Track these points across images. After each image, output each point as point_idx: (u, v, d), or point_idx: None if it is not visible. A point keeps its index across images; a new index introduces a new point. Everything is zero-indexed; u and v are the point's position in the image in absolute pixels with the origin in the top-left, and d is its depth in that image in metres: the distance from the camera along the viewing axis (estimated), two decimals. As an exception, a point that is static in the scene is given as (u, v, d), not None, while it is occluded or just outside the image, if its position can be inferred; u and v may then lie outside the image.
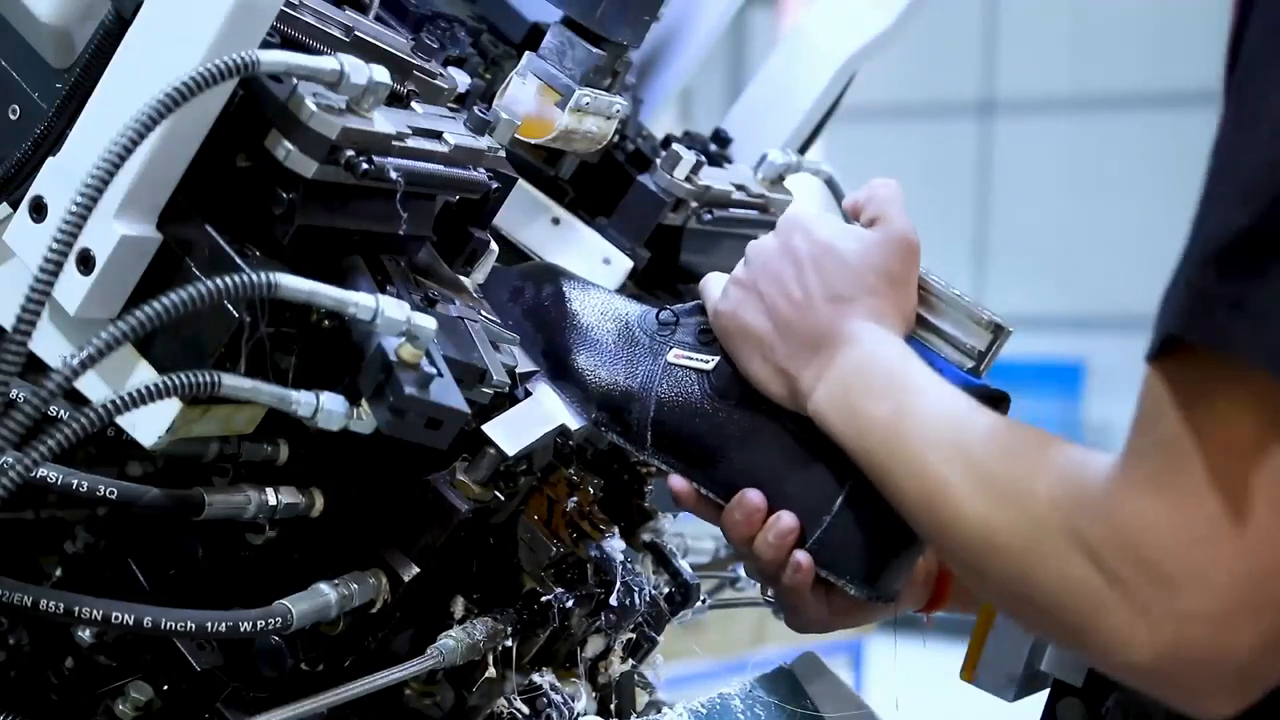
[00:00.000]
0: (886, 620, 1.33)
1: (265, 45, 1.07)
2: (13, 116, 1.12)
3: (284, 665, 1.20)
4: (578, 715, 1.31)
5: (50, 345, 1.08)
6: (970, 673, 1.23)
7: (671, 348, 1.31)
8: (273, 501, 1.16)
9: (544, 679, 1.30)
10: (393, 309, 1.03)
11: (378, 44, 1.23)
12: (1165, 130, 9.15)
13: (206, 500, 1.12)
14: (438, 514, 1.22)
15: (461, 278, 1.30)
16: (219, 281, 0.98)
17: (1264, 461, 0.87)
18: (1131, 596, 0.91)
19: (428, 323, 1.04)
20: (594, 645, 1.38)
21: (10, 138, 1.11)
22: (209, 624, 1.09)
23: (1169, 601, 0.90)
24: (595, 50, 1.39)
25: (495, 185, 1.28)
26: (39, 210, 1.07)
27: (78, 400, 1.05)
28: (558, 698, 1.29)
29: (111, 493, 1.09)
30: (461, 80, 1.37)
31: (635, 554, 1.42)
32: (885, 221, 1.24)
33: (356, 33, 1.21)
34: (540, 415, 1.28)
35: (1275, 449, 0.87)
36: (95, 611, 1.05)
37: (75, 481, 1.07)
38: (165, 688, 1.22)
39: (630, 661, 1.41)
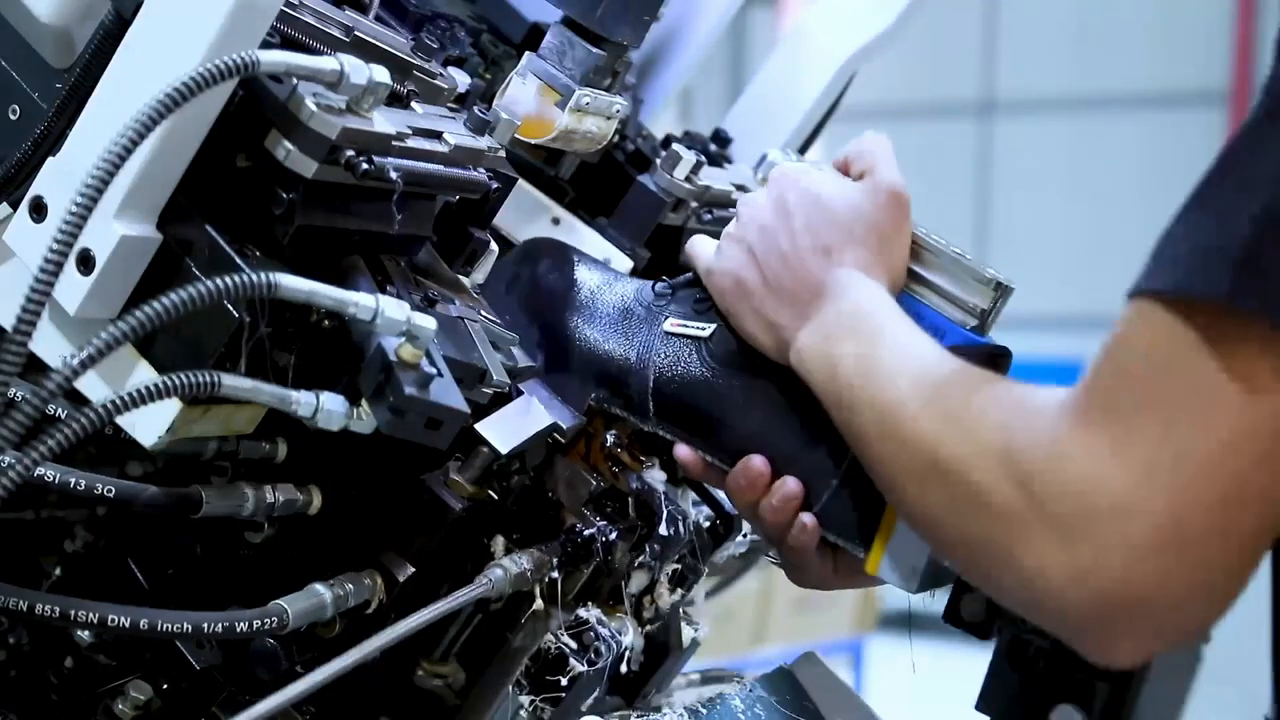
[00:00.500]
0: (900, 614, 1.32)
1: (265, 45, 1.06)
2: (13, 116, 1.12)
3: (279, 668, 1.19)
4: (625, 649, 1.30)
5: (50, 345, 1.08)
6: (874, 565, 1.23)
7: (667, 317, 1.31)
8: (270, 499, 1.16)
9: (590, 613, 1.29)
10: (393, 309, 1.03)
11: (378, 44, 1.22)
12: (1165, 130, 9.15)
13: (204, 498, 1.12)
14: (432, 513, 1.22)
15: (461, 278, 1.30)
16: (219, 281, 0.98)
17: (1251, 432, 0.87)
18: (1054, 523, 0.92)
19: (427, 323, 1.04)
20: (638, 580, 1.38)
21: (10, 138, 1.11)
22: (205, 625, 1.09)
23: (1091, 530, 0.90)
24: (595, 50, 1.38)
25: (495, 185, 1.28)
26: (39, 210, 1.07)
27: (78, 400, 1.05)
28: (605, 632, 1.29)
29: (109, 491, 1.09)
30: (461, 80, 1.37)
31: (675, 489, 1.42)
32: (873, 174, 1.25)
33: (356, 32, 1.21)
34: (533, 413, 1.28)
35: (1271, 417, 0.87)
36: (91, 614, 1.05)
37: (73, 480, 1.07)
38: (165, 687, 1.22)
39: (678, 592, 1.41)
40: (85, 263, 1.05)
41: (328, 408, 1.06)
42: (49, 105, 1.10)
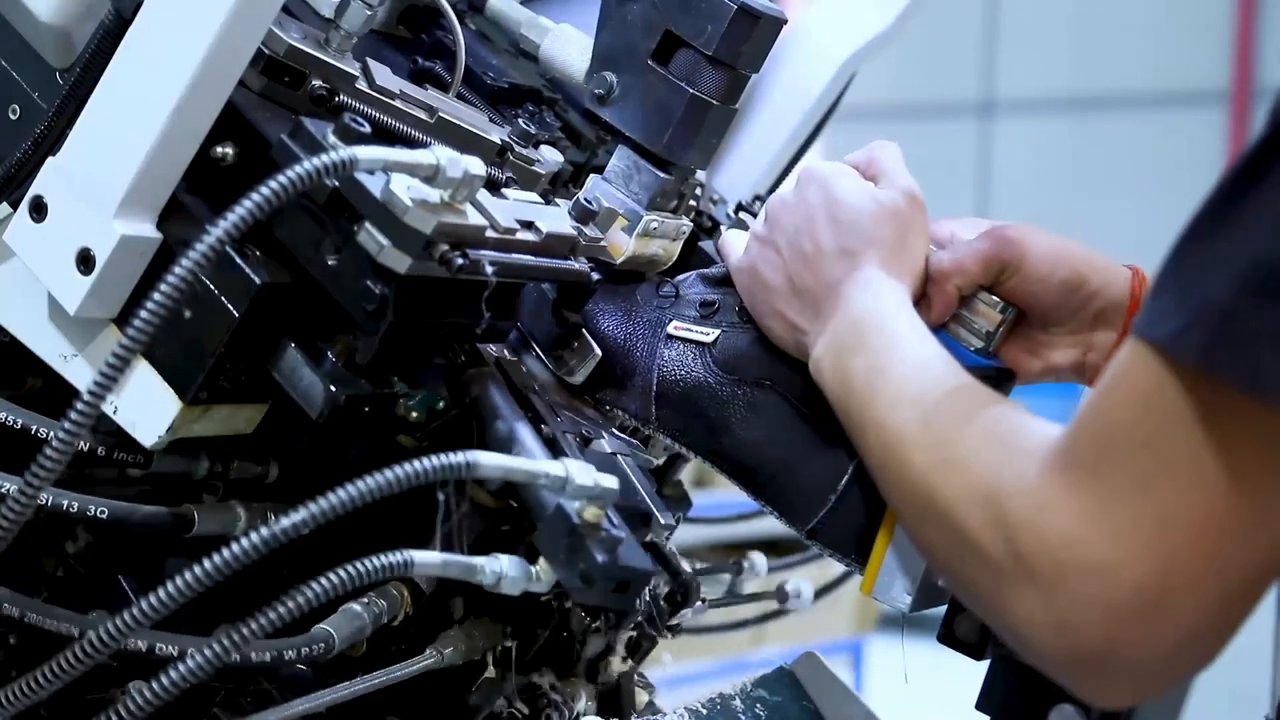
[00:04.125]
0: (894, 619, 1.33)
1: (357, 134, 1.06)
2: (13, 116, 1.12)
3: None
4: (578, 715, 1.31)
5: (50, 344, 1.09)
6: (869, 585, 1.23)
7: (671, 319, 1.32)
8: (263, 519, 1.15)
9: (543, 679, 1.29)
10: (581, 474, 1.00)
11: (465, 126, 1.21)
12: (1165, 130, 9.15)
13: (196, 518, 1.12)
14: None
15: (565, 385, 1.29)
16: (417, 465, 0.94)
17: (1233, 504, 0.87)
18: (1035, 578, 0.92)
19: (610, 483, 1.01)
20: (593, 645, 1.38)
21: (10, 138, 1.11)
22: (253, 654, 1.08)
23: (1069, 589, 0.91)
24: (662, 175, 1.33)
25: (597, 276, 1.26)
26: (39, 210, 1.07)
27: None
28: (557, 698, 1.29)
29: (103, 512, 1.09)
30: (553, 158, 1.35)
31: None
32: (890, 180, 1.25)
33: (440, 114, 1.20)
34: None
35: (1253, 491, 0.86)
36: (140, 644, 1.04)
37: (66, 502, 1.07)
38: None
39: (629, 661, 1.41)
40: (85, 262, 1.05)
41: (510, 574, 1.03)
42: (49, 105, 1.10)
